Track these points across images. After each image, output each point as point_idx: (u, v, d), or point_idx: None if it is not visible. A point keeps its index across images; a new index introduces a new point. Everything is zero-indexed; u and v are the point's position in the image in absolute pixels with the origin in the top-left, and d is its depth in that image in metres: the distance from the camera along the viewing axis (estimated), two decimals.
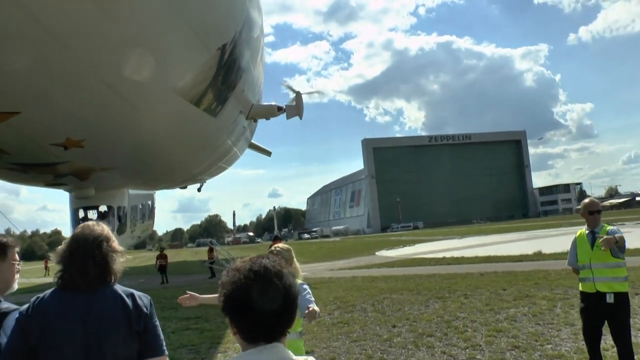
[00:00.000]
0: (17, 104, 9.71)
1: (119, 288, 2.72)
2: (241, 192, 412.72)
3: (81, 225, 2.87)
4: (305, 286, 4.90)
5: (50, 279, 29.48)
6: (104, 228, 2.86)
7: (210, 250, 33.59)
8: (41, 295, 2.63)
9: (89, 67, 9.36)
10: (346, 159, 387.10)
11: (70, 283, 2.62)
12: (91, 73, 9.56)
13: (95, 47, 8.97)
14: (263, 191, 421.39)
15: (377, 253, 39.58)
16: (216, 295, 4.88)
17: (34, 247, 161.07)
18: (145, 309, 2.71)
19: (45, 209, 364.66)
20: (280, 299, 1.69)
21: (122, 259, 2.83)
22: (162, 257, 31.69)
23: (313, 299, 4.75)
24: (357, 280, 20.71)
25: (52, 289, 2.66)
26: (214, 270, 31.20)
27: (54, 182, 16.76)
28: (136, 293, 2.76)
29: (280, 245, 4.93)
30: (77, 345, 2.50)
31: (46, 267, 48.41)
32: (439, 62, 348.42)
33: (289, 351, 1.74)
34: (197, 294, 4.66)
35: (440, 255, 29.73)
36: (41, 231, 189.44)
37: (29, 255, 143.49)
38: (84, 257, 2.65)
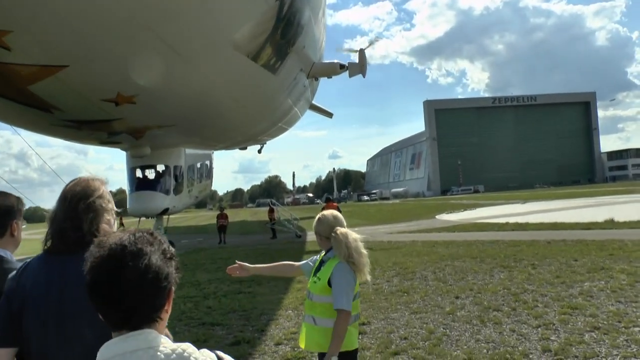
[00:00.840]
0: (65, 57, 9.30)
1: None
2: (301, 153, 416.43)
3: (74, 180, 2.63)
4: (342, 268, 3.87)
5: None
6: (95, 184, 2.59)
7: (271, 211, 33.35)
8: (29, 259, 2.48)
9: (138, 17, 8.84)
10: (407, 121, 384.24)
11: (52, 246, 2.44)
12: (140, 24, 9.03)
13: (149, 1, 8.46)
14: (323, 153, 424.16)
15: (437, 216, 38.84)
16: (268, 265, 4.26)
17: None
18: None
19: (112, 168, 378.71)
20: (131, 284, 1.51)
21: (111, 218, 2.59)
22: (222, 216, 31.65)
23: (344, 291, 3.80)
24: (417, 245, 20.08)
25: (39, 254, 2.48)
26: (275, 231, 31.01)
27: (108, 140, 16.58)
28: None
29: (326, 212, 4.19)
30: (53, 313, 2.29)
31: (121, 224, 49.56)
32: (504, 21, 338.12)
33: (164, 338, 1.57)
34: (248, 264, 4.44)
35: (502, 220, 28.68)
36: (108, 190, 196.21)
37: None
38: (64, 216, 2.44)
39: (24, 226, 2.98)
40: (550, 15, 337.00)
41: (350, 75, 22.41)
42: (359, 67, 22.37)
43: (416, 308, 9.62)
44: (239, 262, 4.40)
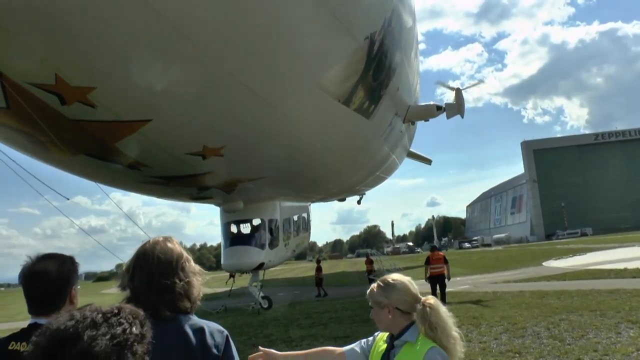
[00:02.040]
0: (148, 111, 9.17)
1: (189, 321, 2.35)
2: (399, 202, 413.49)
3: (151, 241, 2.48)
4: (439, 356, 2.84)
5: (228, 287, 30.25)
6: (176, 244, 2.49)
7: (369, 262, 32.36)
8: None
9: (220, 64, 8.57)
10: (505, 163, 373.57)
11: None
12: (224, 71, 8.76)
13: (226, 40, 8.16)
14: (421, 200, 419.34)
15: (544, 263, 36.60)
16: (303, 352, 3.65)
17: (202, 258, 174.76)
18: (215, 350, 2.32)
19: (212, 223, 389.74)
20: None
21: (201, 280, 2.48)
22: (318, 269, 31.21)
23: None
24: (525, 296, 18.56)
25: None
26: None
27: (198, 195, 16.52)
28: (208, 328, 2.36)
29: (395, 276, 3.15)
30: None
31: (232, 276, 50.30)
32: (602, 53, 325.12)
33: None
34: (275, 351, 3.31)
35: (620, 266, 26.22)
36: (208, 244, 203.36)
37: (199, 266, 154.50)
38: (149, 283, 2.30)
39: (78, 287, 2.77)
40: None
41: (448, 117, 21.72)
42: (457, 108, 21.66)
43: None
44: (263, 349, 3.30)
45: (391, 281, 3.07)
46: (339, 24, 9.77)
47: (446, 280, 18.65)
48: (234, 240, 21.08)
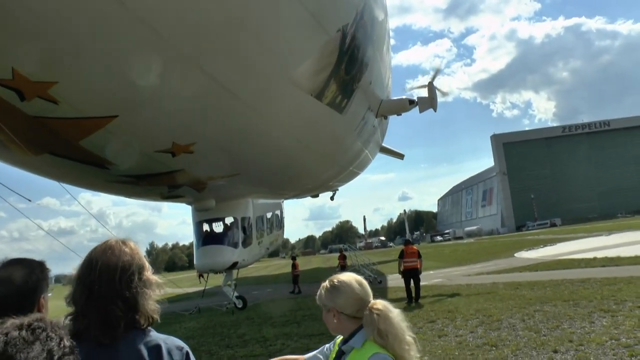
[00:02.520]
0: (113, 107, 8.84)
1: (143, 339, 2.06)
2: (371, 197, 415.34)
3: (102, 245, 2.17)
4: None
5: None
6: (133, 249, 2.18)
7: (342, 257, 32.17)
8: None
9: (188, 57, 8.28)
10: (475, 157, 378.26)
11: (83, 333, 1.98)
12: (192, 65, 8.46)
13: (194, 32, 7.87)
14: (393, 195, 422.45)
15: (515, 255, 36.98)
16: (297, 356, 3.21)
17: (175, 258, 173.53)
18: None
19: (185, 222, 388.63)
20: None
21: (157, 292, 2.19)
22: (294, 266, 31.04)
23: None
24: (499, 288, 18.64)
25: None
26: None
27: (169, 194, 16.17)
28: (165, 345, 2.07)
29: (343, 277, 2.80)
30: None
31: (201, 275, 49.91)
32: (567, 48, 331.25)
33: None
34: None
35: (589, 255, 26.50)
36: (180, 244, 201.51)
37: (170, 266, 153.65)
38: (106, 297, 2.01)
39: (50, 294, 2.46)
40: (616, 37, 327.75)
41: (421, 111, 21.75)
42: (429, 101, 21.69)
43: None
44: None
45: (336, 283, 2.75)
46: (310, 15, 9.58)
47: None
48: (206, 239, 20.77)
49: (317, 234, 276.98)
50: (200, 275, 23.49)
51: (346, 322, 2.68)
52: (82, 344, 1.87)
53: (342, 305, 2.68)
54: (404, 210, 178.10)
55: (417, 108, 21.59)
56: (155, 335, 2.10)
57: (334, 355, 2.81)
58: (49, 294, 2.43)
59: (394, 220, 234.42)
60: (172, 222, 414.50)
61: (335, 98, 13.00)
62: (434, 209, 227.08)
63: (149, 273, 2.17)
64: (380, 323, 2.55)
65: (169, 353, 2.05)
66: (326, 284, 2.78)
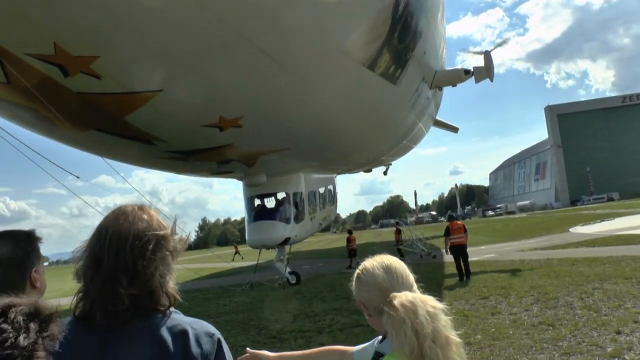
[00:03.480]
0: (158, 81, 8.71)
1: (166, 322, 1.75)
2: (422, 171, 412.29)
3: (115, 212, 1.86)
4: None
5: (238, 263, 29.41)
6: (151, 215, 1.85)
7: (398, 232, 31.68)
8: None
9: (234, 26, 8.00)
10: (528, 130, 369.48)
11: (89, 314, 1.71)
12: (238, 34, 8.19)
13: (238, 3, 7.60)
14: (444, 169, 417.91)
15: (570, 230, 35.87)
16: (302, 352, 2.84)
17: (227, 233, 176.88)
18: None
19: (236, 198, 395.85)
20: None
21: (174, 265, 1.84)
22: (350, 240, 30.52)
23: None
24: (554, 264, 18.02)
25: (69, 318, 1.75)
26: (402, 252, 29.38)
27: (219, 170, 16.11)
28: (194, 332, 1.75)
29: (371, 263, 2.21)
30: None
31: (237, 252, 50.97)
32: (630, 12, 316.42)
33: None
34: (266, 352, 2.66)
35: None
36: (232, 219, 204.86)
37: (223, 240, 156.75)
38: (114, 270, 1.69)
39: (45, 264, 2.37)
40: None
41: (477, 81, 21.15)
42: (486, 71, 20.99)
43: (567, 347, 7.97)
44: (250, 350, 2.66)
45: (360, 271, 2.23)
46: None
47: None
48: (258, 215, 20.73)
49: (368, 209, 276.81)
50: (237, 252, 23.36)
51: (377, 318, 2.11)
52: (90, 328, 1.68)
53: (367, 299, 2.17)
54: (455, 185, 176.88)
55: (472, 79, 20.91)
56: (180, 319, 1.79)
57: (372, 355, 2.27)
58: (45, 264, 2.23)
59: (445, 195, 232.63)
60: (224, 197, 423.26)
61: (389, 68, 12.61)
62: (486, 183, 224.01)
63: (171, 245, 1.82)
64: (393, 326, 1.93)
65: (197, 340, 1.74)
66: (355, 273, 2.28)
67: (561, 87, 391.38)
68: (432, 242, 33.29)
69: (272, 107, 11.32)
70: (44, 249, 2.29)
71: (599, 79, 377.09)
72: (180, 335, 1.73)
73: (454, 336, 1.94)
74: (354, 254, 29.29)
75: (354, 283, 2.25)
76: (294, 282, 21.60)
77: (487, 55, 21.23)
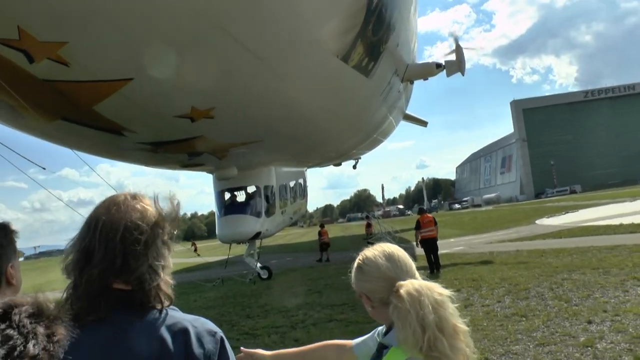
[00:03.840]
0: (128, 69, 8.44)
1: (165, 320, 1.62)
2: (389, 165, 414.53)
3: (106, 201, 1.71)
4: None
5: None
6: (146, 206, 1.70)
7: (368, 225, 31.61)
8: None
9: (206, 14, 7.78)
10: (494, 125, 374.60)
11: (80, 311, 1.54)
12: (210, 22, 7.97)
13: None
14: (410, 163, 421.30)
15: (537, 222, 36.57)
16: (300, 348, 2.73)
17: (194, 227, 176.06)
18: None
19: (203, 192, 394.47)
20: None
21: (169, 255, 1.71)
22: (322, 234, 30.09)
23: None
24: (523, 255, 18.28)
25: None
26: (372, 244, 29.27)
27: (189, 162, 15.80)
28: (195, 330, 1.63)
29: (372, 252, 2.13)
30: None
31: (195, 249, 50.18)
32: (591, 10, 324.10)
33: None
34: (262, 351, 2.57)
35: (614, 221, 25.86)
36: (199, 213, 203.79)
37: (189, 235, 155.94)
38: (103, 263, 1.56)
39: (21, 259, 2.21)
40: None
41: (448, 75, 21.22)
42: (457, 65, 21.01)
43: (541, 338, 8.02)
44: (245, 350, 2.55)
45: (361, 261, 2.14)
46: None
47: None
48: (228, 209, 20.48)
49: (335, 202, 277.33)
50: (194, 245, 22.81)
51: (382, 309, 2.03)
52: (82, 327, 1.49)
53: (371, 290, 2.07)
54: (422, 178, 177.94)
55: (444, 73, 20.93)
56: (179, 316, 1.67)
57: (376, 348, 2.19)
58: (20, 259, 2.07)
59: (412, 189, 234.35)
60: (191, 192, 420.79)
61: (362, 60, 12.47)
62: (452, 177, 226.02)
63: (167, 238, 1.70)
64: (399, 316, 1.86)
65: (199, 340, 1.62)
66: (355, 263, 2.18)
67: (526, 82, 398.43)
68: (400, 235, 33.44)
69: (245, 98, 11.10)
70: None
71: (563, 75, 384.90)
72: (181, 333, 1.61)
73: (461, 324, 1.87)
74: (325, 247, 29.12)
75: (353, 274, 2.15)
76: (265, 277, 21.40)
77: (458, 48, 21.27)
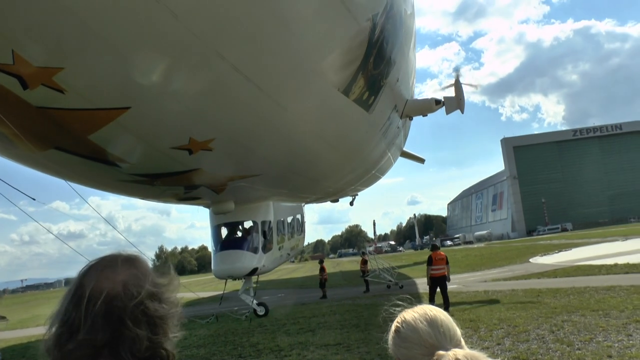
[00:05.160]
0: (126, 97, 8.18)
1: None
2: (380, 201, 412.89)
3: (95, 264, 1.43)
4: None
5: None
6: (140, 267, 1.44)
7: (364, 262, 30.95)
8: None
9: (207, 44, 7.60)
10: (484, 161, 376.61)
11: None
12: (211, 52, 7.77)
13: (213, 17, 7.19)
14: (402, 199, 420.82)
15: (530, 260, 36.38)
16: None
17: (184, 262, 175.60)
18: None
19: (193, 226, 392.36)
20: None
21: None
22: (321, 270, 30.01)
23: None
24: (519, 295, 18.03)
25: None
26: (368, 284, 29.01)
27: (186, 195, 15.45)
28: None
29: (412, 315, 1.81)
30: None
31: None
32: (576, 51, 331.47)
33: None
34: None
35: (609, 261, 25.71)
36: (189, 247, 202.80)
37: (180, 269, 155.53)
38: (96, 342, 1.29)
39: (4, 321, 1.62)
40: (626, 39, 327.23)
41: (448, 112, 20.71)
42: (457, 102, 20.63)
43: None
44: None
45: (399, 325, 1.85)
46: (339, 2, 8.93)
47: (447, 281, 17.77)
48: (225, 244, 20.06)
49: (327, 238, 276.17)
50: None
51: None
52: None
53: (408, 357, 1.80)
54: (414, 215, 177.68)
55: (443, 109, 20.67)
56: None
57: None
58: (2, 319, 1.76)
59: (404, 225, 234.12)
60: (181, 225, 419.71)
61: (363, 94, 12.26)
62: (444, 213, 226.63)
63: (169, 304, 1.44)
64: None
65: None
66: (392, 325, 1.90)
67: (515, 120, 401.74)
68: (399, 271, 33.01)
69: (245, 129, 10.87)
70: None
71: (551, 113, 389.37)
72: None
73: None
74: (323, 284, 28.89)
75: (390, 337, 1.87)
76: (262, 313, 20.86)
77: (457, 84, 20.98)
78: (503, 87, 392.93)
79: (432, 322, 1.78)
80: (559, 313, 13.37)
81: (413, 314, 1.85)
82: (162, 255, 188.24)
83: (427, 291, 17.90)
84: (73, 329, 1.32)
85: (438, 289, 17.53)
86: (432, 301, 17.18)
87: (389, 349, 1.84)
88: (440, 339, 1.74)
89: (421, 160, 40.97)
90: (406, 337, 1.80)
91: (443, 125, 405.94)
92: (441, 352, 1.68)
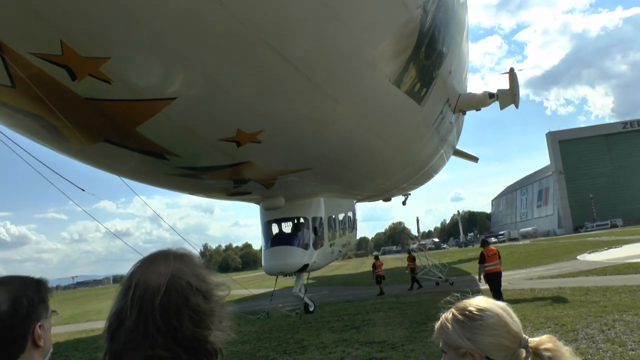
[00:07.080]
0: (172, 87, 8.13)
1: None
2: (423, 197, 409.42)
3: (148, 257, 1.50)
4: None
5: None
6: (193, 264, 1.49)
7: (412, 260, 30.41)
8: None
9: (255, 32, 7.47)
10: (528, 156, 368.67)
11: None
12: (259, 41, 7.63)
13: (260, 6, 7.08)
14: (445, 195, 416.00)
15: (578, 257, 35.35)
16: None
17: (228, 259, 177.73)
18: None
19: (237, 224, 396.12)
20: None
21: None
22: (377, 266, 29.18)
23: None
24: (566, 293, 17.51)
25: None
26: (415, 281, 28.60)
27: (235, 190, 15.39)
28: None
29: (481, 302, 1.70)
30: None
31: None
32: (626, 39, 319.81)
33: None
34: None
35: None
36: (234, 245, 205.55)
37: (224, 267, 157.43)
38: (138, 333, 1.34)
39: (51, 314, 1.89)
40: None
41: (502, 107, 20.15)
42: (511, 95, 20.00)
43: None
44: None
45: (476, 312, 1.69)
46: None
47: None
48: (275, 240, 20.12)
49: (370, 235, 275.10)
50: None
51: None
52: None
53: (490, 347, 1.64)
54: (458, 211, 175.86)
55: (496, 103, 19.94)
56: None
57: None
58: (53, 312, 1.82)
59: (447, 221, 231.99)
60: (225, 224, 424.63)
61: (414, 86, 11.96)
62: (487, 210, 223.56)
63: (214, 300, 1.47)
64: None
65: None
66: (452, 313, 1.75)
67: (561, 114, 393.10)
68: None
69: (294, 121, 10.71)
70: (45, 274, 1.89)
71: (599, 105, 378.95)
72: None
73: None
74: (380, 280, 28.25)
75: (456, 325, 1.72)
76: (311, 309, 20.86)
77: (512, 75, 20.15)
78: (547, 80, 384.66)
79: (508, 311, 1.72)
80: (609, 312, 12.94)
81: (485, 301, 1.74)
82: (206, 253, 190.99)
83: (480, 288, 17.55)
84: (121, 318, 1.38)
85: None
86: (497, 297, 16.86)
87: (442, 340, 1.75)
88: (519, 327, 1.69)
89: (474, 159, 40.17)
90: (492, 323, 1.67)
91: (484, 120, 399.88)
92: (533, 339, 1.66)
